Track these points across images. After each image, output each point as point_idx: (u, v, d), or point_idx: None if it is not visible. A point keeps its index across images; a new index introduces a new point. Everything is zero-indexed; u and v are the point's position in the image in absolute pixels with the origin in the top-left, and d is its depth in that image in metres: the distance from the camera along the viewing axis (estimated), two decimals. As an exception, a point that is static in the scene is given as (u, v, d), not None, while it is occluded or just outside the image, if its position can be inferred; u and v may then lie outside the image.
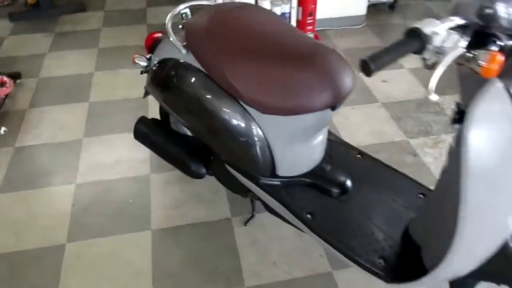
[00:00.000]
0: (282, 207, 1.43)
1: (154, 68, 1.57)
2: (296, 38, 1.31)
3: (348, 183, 1.47)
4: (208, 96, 1.37)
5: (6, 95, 2.36)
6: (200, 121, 1.46)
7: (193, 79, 1.41)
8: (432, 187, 1.47)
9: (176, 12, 1.47)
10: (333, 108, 1.28)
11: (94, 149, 2.13)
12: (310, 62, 1.24)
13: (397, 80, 2.66)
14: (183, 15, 1.52)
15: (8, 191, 1.91)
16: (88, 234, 1.73)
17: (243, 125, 1.35)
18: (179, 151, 1.69)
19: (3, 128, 2.24)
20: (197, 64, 1.40)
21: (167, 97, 1.55)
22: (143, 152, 2.06)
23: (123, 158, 2.08)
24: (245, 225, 1.77)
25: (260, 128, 1.35)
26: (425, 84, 2.59)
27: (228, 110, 1.35)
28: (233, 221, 1.79)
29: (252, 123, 1.35)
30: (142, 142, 1.80)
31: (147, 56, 1.64)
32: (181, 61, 1.45)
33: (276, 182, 1.46)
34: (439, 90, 0.77)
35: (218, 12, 1.40)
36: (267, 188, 1.45)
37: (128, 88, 2.54)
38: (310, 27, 2.88)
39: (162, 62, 1.53)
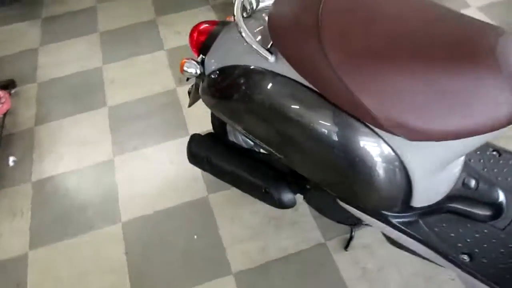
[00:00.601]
0: (427, 248, 1.07)
1: (213, 77, 1.13)
2: (454, 22, 0.87)
3: (502, 199, 1.10)
4: (318, 121, 0.95)
5: (5, 114, 1.91)
6: (299, 152, 1.04)
7: (289, 97, 0.98)
8: None
9: None
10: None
11: (131, 170, 1.73)
12: (488, 59, 0.80)
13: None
14: (251, -1, 1.06)
15: (42, 245, 1.53)
16: (156, 291, 1.39)
17: (374, 157, 0.94)
18: (256, 176, 1.29)
19: (11, 158, 1.81)
20: (291, 74, 0.96)
21: (237, 115, 1.12)
22: (191, 167, 1.65)
23: (170, 178, 1.68)
24: (346, 250, 1.43)
25: (398, 157, 0.95)
26: (503, 23, 2.13)
27: (350, 139, 0.94)
28: (329, 247, 1.44)
29: (389, 153, 0.94)
30: (201, 167, 1.41)
31: (198, 59, 1.19)
32: (263, 69, 1.01)
33: (411, 217, 1.08)
34: None
35: None
36: (401, 227, 1.08)
37: (149, 80, 2.07)
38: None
39: (228, 70, 1.09)
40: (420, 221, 1.08)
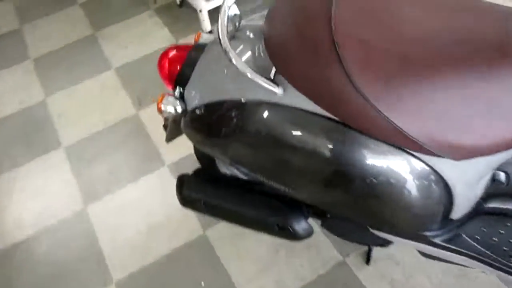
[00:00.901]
0: (473, 260, 0.98)
1: (198, 112, 0.95)
2: (474, 10, 0.75)
3: (535, 190, 1.02)
4: (345, 154, 0.80)
5: None
6: (322, 188, 0.89)
7: (305, 130, 0.82)
8: None
9: (226, 15, 0.82)
10: None
11: (110, 218, 1.51)
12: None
13: None
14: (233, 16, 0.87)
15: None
16: None
17: (413, 180, 0.82)
18: (263, 212, 1.14)
19: (-39, 231, 1.54)
20: (304, 104, 0.80)
21: (235, 154, 0.95)
22: (178, 203, 1.47)
23: (157, 219, 1.48)
24: (368, 264, 1.32)
25: (438, 174, 0.82)
26: None
27: (386, 166, 0.80)
28: (350, 264, 1.33)
29: (428, 172, 0.81)
30: (198, 211, 1.22)
31: (176, 93, 1.00)
32: (265, 101, 0.84)
33: (452, 231, 0.98)
34: None
35: None
36: (445, 244, 0.97)
37: (104, 108, 1.83)
38: None
39: (218, 105, 0.91)
40: (462, 234, 0.99)
